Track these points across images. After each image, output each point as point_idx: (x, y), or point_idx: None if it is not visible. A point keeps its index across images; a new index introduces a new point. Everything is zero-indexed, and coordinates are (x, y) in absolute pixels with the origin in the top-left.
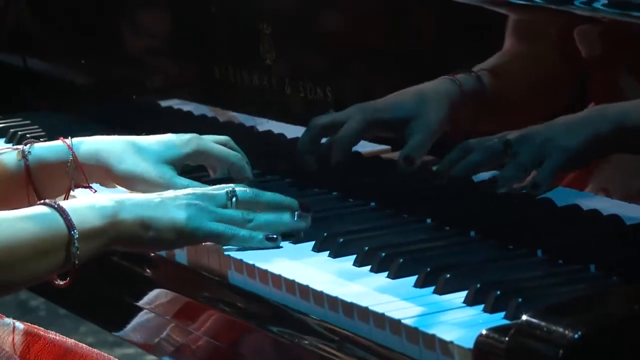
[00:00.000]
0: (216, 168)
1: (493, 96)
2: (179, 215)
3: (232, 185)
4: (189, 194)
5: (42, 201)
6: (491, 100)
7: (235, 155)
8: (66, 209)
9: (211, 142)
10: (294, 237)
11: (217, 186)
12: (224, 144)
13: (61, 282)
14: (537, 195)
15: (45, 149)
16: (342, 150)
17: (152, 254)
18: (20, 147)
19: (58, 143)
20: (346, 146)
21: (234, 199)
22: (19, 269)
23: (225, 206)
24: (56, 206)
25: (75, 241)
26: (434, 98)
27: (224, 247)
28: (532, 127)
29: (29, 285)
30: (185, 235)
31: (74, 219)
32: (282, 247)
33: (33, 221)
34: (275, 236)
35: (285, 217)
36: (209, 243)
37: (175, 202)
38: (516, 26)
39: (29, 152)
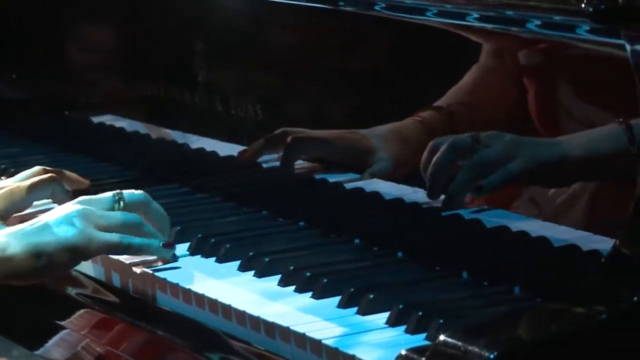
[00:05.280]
0: None
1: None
2: (67, 233)
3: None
4: (74, 205)
5: None
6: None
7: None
8: None
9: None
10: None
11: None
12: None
13: None
14: (478, 194)
15: None
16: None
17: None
18: None
19: None
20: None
21: (121, 202)
22: None
23: (112, 209)
24: None
25: None
26: None
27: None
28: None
29: None
30: (78, 252)
31: None
32: (178, 257)
33: None
34: (172, 241)
35: (155, 243)
36: (134, 260)
37: (59, 220)
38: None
39: None
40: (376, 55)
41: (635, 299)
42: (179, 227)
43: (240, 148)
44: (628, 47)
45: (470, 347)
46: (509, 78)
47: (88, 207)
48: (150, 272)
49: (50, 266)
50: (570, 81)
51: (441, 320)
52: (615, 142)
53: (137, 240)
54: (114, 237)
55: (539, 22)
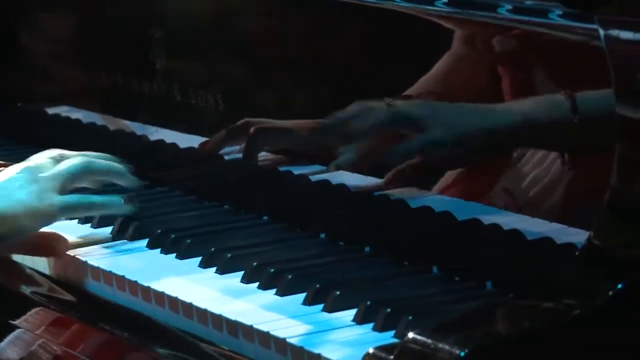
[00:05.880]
0: None
1: None
2: (26, 196)
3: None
4: (21, 171)
5: None
6: None
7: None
8: None
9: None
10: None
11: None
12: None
13: None
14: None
15: None
16: None
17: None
18: None
19: None
20: None
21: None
22: None
23: None
24: None
25: None
26: None
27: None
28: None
29: None
30: (40, 215)
31: None
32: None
33: None
34: (134, 194)
35: (116, 199)
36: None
37: (14, 184)
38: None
39: None
40: (343, 43)
41: (611, 293)
42: (137, 223)
43: (201, 139)
44: (601, 32)
45: (440, 345)
46: (481, 66)
47: (38, 169)
48: (107, 269)
49: (13, 231)
50: (543, 68)
51: (410, 317)
52: (557, 110)
53: (97, 198)
54: (73, 197)
55: (510, 7)
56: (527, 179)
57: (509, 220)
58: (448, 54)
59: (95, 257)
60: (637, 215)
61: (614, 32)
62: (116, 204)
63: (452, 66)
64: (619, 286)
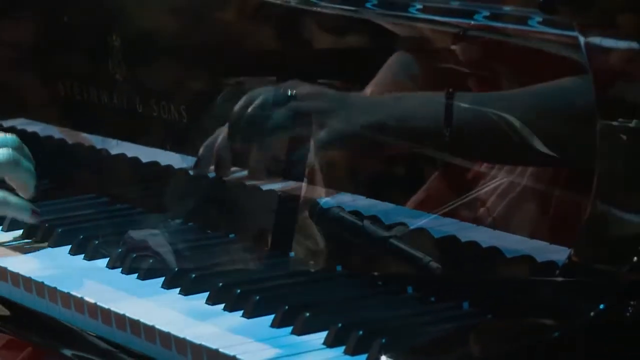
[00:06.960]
0: None
1: None
2: None
3: None
4: None
5: None
6: None
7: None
8: None
9: None
10: None
11: None
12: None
13: None
14: None
15: None
16: None
17: None
18: None
19: None
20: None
21: None
22: None
23: None
24: None
25: None
26: None
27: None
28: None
29: None
30: None
31: None
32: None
33: None
34: (39, 211)
35: (27, 208)
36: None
37: None
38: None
39: None
40: (312, 50)
41: (593, 313)
42: (96, 241)
43: (164, 153)
44: (582, 39)
45: None
46: (453, 77)
47: None
48: (65, 291)
49: None
50: (520, 77)
51: (383, 340)
52: (435, 115)
53: (13, 198)
54: None
55: (487, 14)
56: (505, 194)
57: (486, 237)
58: (419, 65)
59: (49, 275)
60: (619, 232)
61: (595, 40)
62: (26, 211)
63: (428, 75)
64: (601, 306)
